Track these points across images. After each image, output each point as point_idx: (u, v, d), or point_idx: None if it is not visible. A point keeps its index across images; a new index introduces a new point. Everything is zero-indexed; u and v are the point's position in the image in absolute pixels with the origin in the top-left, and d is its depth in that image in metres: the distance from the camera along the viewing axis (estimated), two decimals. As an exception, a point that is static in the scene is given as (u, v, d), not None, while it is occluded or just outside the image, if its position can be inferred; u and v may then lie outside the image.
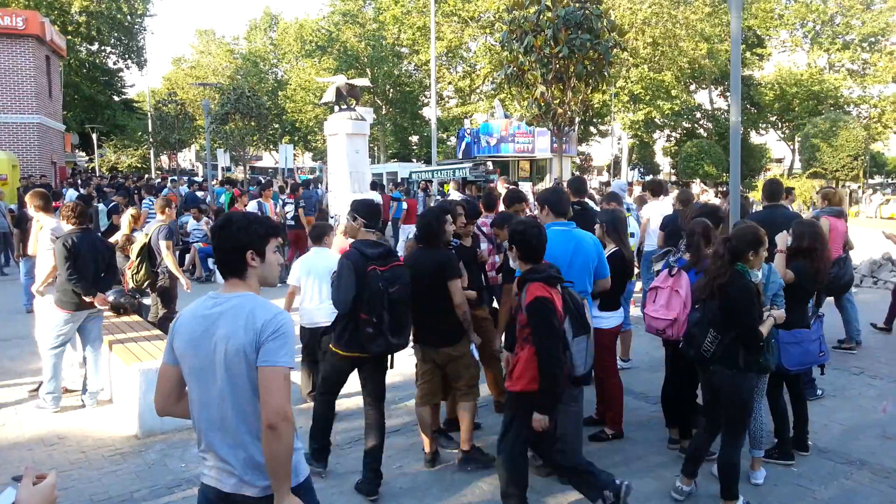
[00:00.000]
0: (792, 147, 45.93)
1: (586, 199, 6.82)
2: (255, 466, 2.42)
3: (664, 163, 54.49)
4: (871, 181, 41.52)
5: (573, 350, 3.96)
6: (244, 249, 2.51)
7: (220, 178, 30.34)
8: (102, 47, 41.14)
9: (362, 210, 4.75)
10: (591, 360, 4.15)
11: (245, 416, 2.42)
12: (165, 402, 2.60)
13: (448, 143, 42.66)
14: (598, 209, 7.04)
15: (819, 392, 6.44)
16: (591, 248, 4.64)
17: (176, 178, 30.16)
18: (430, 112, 29.43)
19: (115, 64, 43.21)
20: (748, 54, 42.53)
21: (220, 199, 18.73)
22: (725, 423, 4.28)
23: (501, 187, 12.82)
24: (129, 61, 42.93)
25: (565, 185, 7.92)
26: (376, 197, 11.68)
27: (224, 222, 2.56)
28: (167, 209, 8.04)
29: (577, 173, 38.98)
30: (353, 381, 7.01)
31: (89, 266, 6.07)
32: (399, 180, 24.49)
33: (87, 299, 6.04)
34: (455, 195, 12.66)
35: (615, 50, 12.06)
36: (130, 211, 8.51)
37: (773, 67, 45.57)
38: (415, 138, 48.72)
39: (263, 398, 2.33)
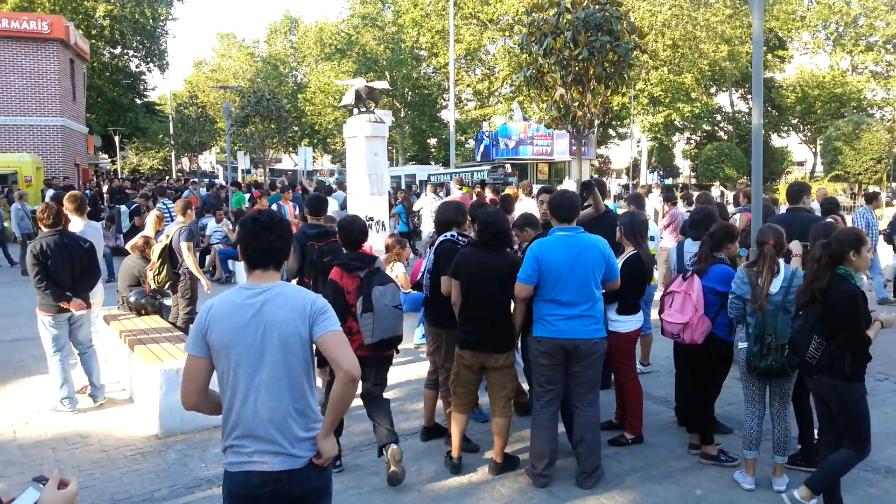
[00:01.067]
0: (814, 150, 45.42)
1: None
2: (300, 441, 2.62)
3: (684, 166, 54.10)
4: (894, 184, 40.91)
5: (361, 324, 4.48)
6: (290, 244, 2.83)
7: (239, 180, 30.59)
8: (125, 51, 41.66)
9: (307, 203, 6.17)
10: (383, 333, 4.55)
11: (295, 395, 2.63)
12: (198, 397, 2.67)
13: (466, 145, 42.67)
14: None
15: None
16: (596, 253, 4.53)
17: (196, 180, 30.41)
18: (449, 115, 29.49)
19: (137, 67, 43.77)
20: (769, 56, 42.09)
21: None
22: (843, 433, 4.15)
23: (454, 187, 12.79)
24: (151, 64, 43.46)
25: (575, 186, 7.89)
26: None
27: (281, 218, 2.78)
28: (188, 211, 8.11)
29: (596, 176, 38.86)
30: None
31: (65, 269, 5.98)
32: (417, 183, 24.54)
33: (62, 305, 5.96)
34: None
35: (635, 52, 11.94)
36: (155, 212, 8.59)
37: (794, 69, 45.09)
38: (433, 141, 48.78)
39: (339, 357, 2.57)
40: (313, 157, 46.92)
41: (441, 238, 5.22)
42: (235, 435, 2.62)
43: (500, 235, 4.76)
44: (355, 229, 4.89)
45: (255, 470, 2.59)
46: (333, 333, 2.63)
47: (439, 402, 5.49)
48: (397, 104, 42.52)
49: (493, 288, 4.65)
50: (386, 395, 6.65)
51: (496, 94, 42.37)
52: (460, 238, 5.19)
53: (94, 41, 34.74)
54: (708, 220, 5.49)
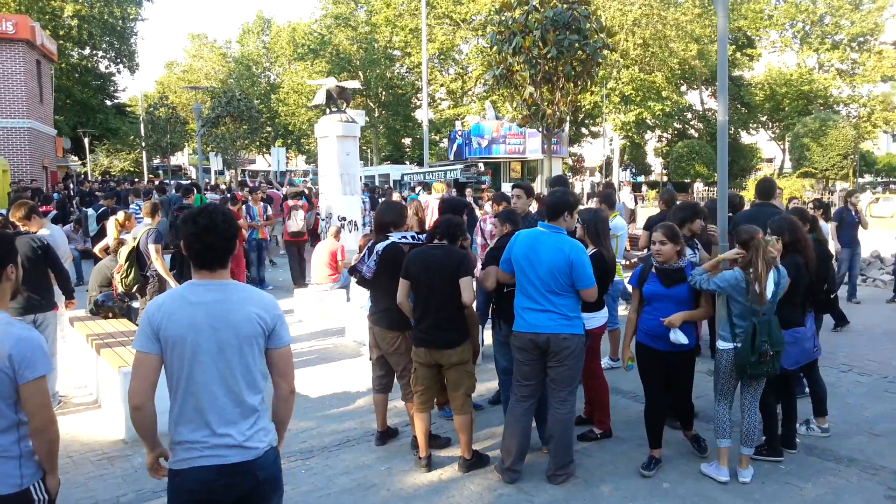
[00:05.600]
0: (782, 147, 46.14)
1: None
2: (255, 433, 2.68)
3: (656, 163, 54.66)
4: (860, 180, 41.73)
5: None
6: (235, 239, 2.74)
7: (212, 181, 30.28)
8: (94, 52, 41.01)
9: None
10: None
11: (249, 391, 2.67)
12: (149, 394, 2.60)
13: (441, 144, 42.69)
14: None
15: (807, 390, 6.46)
16: (560, 255, 4.50)
17: (168, 181, 30.10)
18: (423, 114, 29.52)
19: (106, 68, 43.08)
20: (738, 55, 42.70)
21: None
22: None
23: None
24: (120, 66, 42.83)
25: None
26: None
27: (225, 215, 2.72)
28: (155, 213, 8.02)
29: (570, 174, 39.07)
30: (345, 385, 7.02)
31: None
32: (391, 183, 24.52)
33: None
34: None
35: (603, 51, 12.04)
36: (116, 216, 8.47)
37: (763, 68, 45.81)
38: (408, 140, 48.73)
39: (284, 371, 2.77)
40: (287, 158, 46.62)
41: (386, 242, 5.12)
42: (187, 430, 2.61)
43: (438, 230, 4.82)
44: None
45: (209, 465, 2.59)
46: (287, 348, 2.79)
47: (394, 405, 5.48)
48: (371, 104, 42.41)
49: (439, 284, 4.67)
50: (358, 397, 6.69)
51: (470, 93, 42.44)
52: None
53: (61, 42, 34.16)
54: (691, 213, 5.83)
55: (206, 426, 2.61)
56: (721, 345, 4.71)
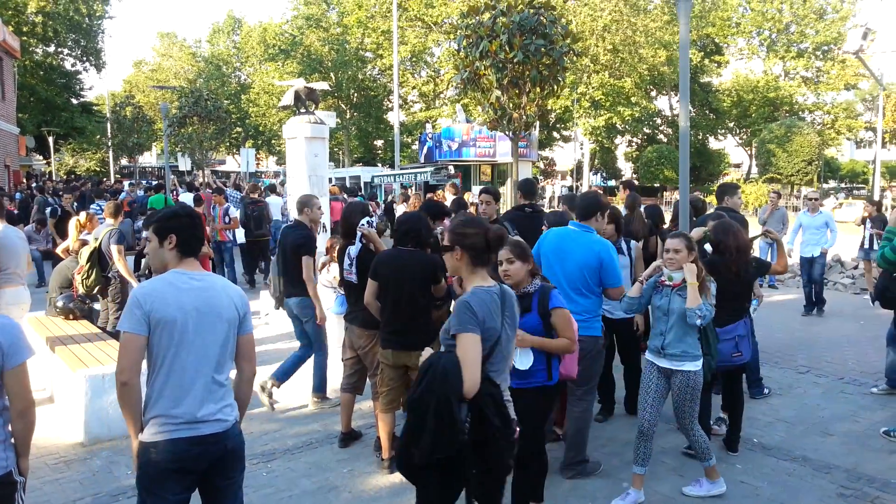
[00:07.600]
0: (749, 152, 46.95)
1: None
2: (224, 408, 2.95)
3: (626, 168, 55.24)
4: (825, 186, 42.60)
5: None
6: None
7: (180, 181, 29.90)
8: (59, 49, 40.30)
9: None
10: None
11: (223, 369, 2.97)
12: (136, 371, 2.81)
13: (413, 147, 42.69)
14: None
15: (766, 391, 6.60)
16: (588, 253, 4.54)
17: (133, 181, 29.70)
18: (394, 116, 29.47)
19: (72, 66, 42.35)
20: (706, 62, 43.37)
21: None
22: None
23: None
24: (87, 64, 42.12)
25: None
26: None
27: (196, 213, 3.16)
28: (118, 214, 7.89)
29: (541, 178, 39.32)
30: (309, 388, 6.99)
31: None
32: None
33: None
34: None
35: (570, 55, 12.17)
36: (78, 217, 8.32)
37: (730, 74, 46.56)
38: (379, 142, 48.63)
39: (250, 355, 3.08)
40: (257, 159, 46.26)
41: (358, 247, 5.14)
42: (167, 406, 2.82)
43: (410, 234, 4.77)
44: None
45: (184, 436, 2.82)
46: (252, 335, 3.09)
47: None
48: (343, 105, 42.24)
49: (407, 287, 4.66)
50: (329, 397, 6.65)
51: (441, 96, 42.49)
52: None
53: (25, 38, 33.52)
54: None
55: (187, 402, 2.84)
56: (694, 366, 4.38)
